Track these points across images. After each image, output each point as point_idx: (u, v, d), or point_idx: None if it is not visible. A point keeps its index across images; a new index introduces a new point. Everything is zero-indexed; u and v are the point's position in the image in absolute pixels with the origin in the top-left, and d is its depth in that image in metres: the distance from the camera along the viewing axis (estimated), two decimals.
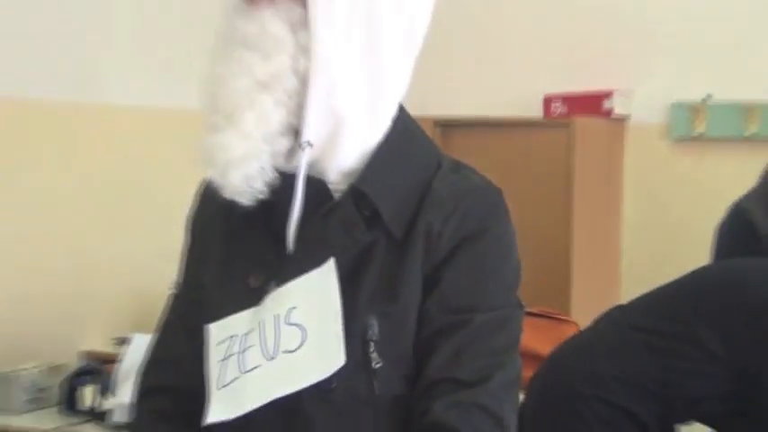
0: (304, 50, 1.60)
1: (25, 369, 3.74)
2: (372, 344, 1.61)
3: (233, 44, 1.63)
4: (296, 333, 1.62)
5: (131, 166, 4.74)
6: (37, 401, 3.71)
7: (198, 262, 1.82)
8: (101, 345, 4.45)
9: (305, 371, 1.59)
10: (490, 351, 1.64)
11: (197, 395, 1.68)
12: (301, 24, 1.60)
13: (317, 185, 1.65)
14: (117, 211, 4.71)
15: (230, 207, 1.66)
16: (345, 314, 1.60)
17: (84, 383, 3.68)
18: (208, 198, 1.74)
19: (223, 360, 1.66)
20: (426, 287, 1.64)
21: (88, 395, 3.65)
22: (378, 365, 1.61)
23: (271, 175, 1.62)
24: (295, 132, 1.63)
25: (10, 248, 4.35)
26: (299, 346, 1.61)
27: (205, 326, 1.70)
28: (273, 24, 1.60)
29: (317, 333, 1.60)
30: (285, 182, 1.63)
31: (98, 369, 3.79)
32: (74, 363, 3.95)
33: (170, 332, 1.84)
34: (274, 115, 1.60)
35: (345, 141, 1.64)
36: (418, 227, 1.64)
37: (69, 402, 3.68)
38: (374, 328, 1.61)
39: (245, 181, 1.60)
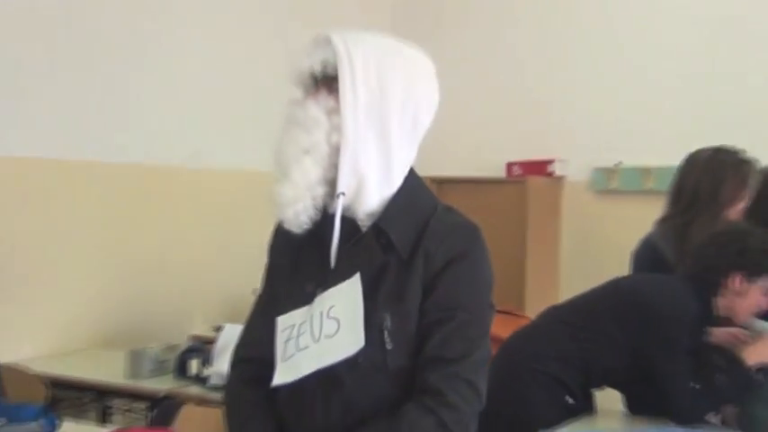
0: (336, 129, 1.64)
1: (151, 347, 3.74)
2: (386, 332, 1.63)
3: (289, 123, 1.67)
4: (333, 324, 1.63)
5: (225, 211, 4.76)
6: (158, 370, 3.70)
7: (272, 275, 1.84)
8: (203, 330, 4.46)
9: (339, 350, 1.61)
10: (469, 337, 1.65)
11: (270, 364, 1.70)
12: (334, 111, 1.64)
13: (350, 223, 1.68)
14: (216, 242, 4.74)
15: (293, 238, 1.69)
16: (367, 311, 1.61)
17: (191, 357, 3.67)
18: (280, 232, 1.76)
19: (286, 341, 1.68)
20: (425, 292, 1.65)
21: (194, 365, 3.64)
22: (390, 347, 1.63)
23: (312, 212, 1.65)
24: (328, 184, 1.65)
25: (147, 269, 4.41)
26: (336, 333, 1.62)
27: (275, 318, 1.72)
28: (314, 111, 1.64)
29: (347, 324, 1.62)
30: (328, 220, 1.66)
31: (201, 347, 3.78)
32: (184, 343, 3.94)
33: (254, 322, 1.85)
34: (313, 171, 1.63)
35: (367, 193, 1.66)
36: (419, 251, 1.66)
37: (181, 370, 3.67)
38: (387, 321, 1.63)
39: (295, 215, 1.64)
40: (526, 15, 5.57)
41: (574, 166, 5.39)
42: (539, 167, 5.38)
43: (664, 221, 3.41)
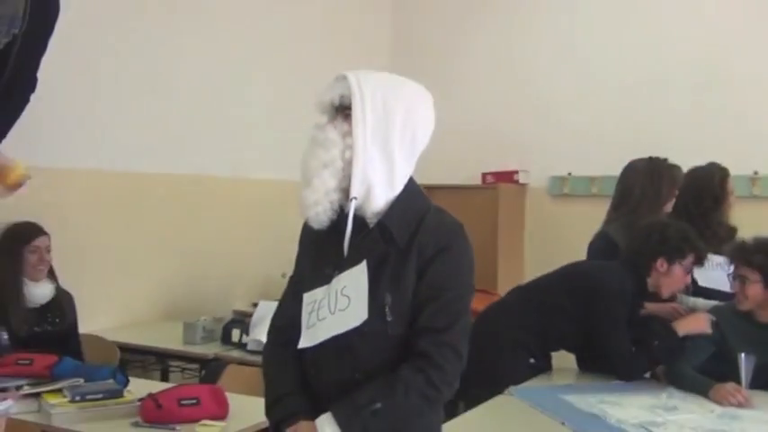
0: (349, 147, 1.63)
1: (202, 319, 3.73)
2: (387, 307, 1.62)
3: (312, 143, 1.67)
4: (345, 300, 1.63)
5: (260, 211, 4.75)
6: (207, 338, 3.69)
7: (300, 261, 1.83)
8: (243, 306, 4.45)
9: (349, 320, 1.61)
10: (453, 311, 1.64)
11: (298, 331, 1.70)
12: (348, 134, 1.64)
13: (360, 220, 1.67)
14: (254, 237, 4.72)
15: (317, 231, 1.69)
16: (372, 291, 1.61)
17: (233, 327, 3.66)
18: (307, 226, 1.74)
19: (309, 313, 1.68)
20: (419, 276, 1.64)
21: (236, 334, 3.63)
22: (390, 319, 1.62)
23: (331, 213, 1.65)
24: (343, 191, 1.65)
25: (199, 258, 4.40)
26: (347, 307, 1.62)
27: (303, 294, 1.72)
28: (332, 134, 1.64)
29: (355, 300, 1.61)
30: (344, 218, 1.65)
31: (241, 319, 3.77)
32: (228, 316, 3.94)
33: (286, 298, 1.84)
34: (330, 181, 1.63)
35: (374, 197, 1.65)
36: (415, 242, 1.64)
37: (225, 338, 3.66)
38: (388, 299, 1.62)
39: (316, 215, 1.64)
40: (495, 58, 5.55)
41: (534, 176, 5.37)
42: (507, 176, 5.36)
43: (615, 218, 3.39)
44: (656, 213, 3.29)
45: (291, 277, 1.85)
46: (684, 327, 2.87)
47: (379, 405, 1.57)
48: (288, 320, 1.77)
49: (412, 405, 1.59)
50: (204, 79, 4.42)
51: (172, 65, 4.23)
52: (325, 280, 1.68)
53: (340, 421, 1.57)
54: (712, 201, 3.43)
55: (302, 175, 1.66)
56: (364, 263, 1.62)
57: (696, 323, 2.87)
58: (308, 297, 1.70)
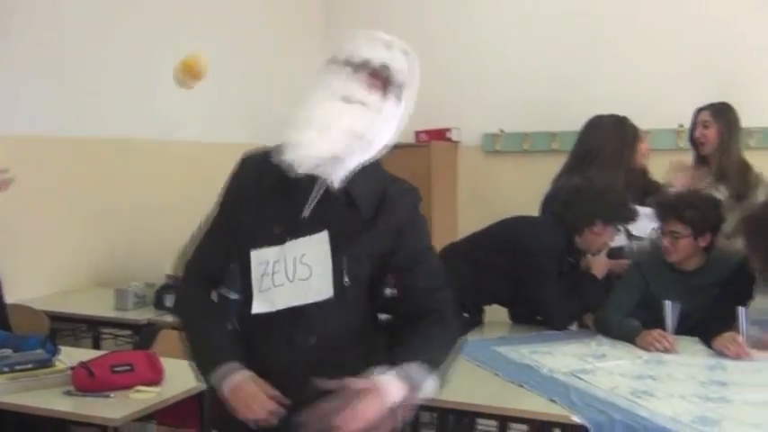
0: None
1: (133, 285, 3.68)
2: (344, 270, 1.58)
3: (360, 105, 1.57)
4: (306, 269, 1.58)
5: (193, 176, 4.67)
6: (140, 303, 3.65)
7: (231, 208, 1.71)
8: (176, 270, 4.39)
9: (311, 293, 1.58)
10: (438, 268, 1.69)
11: (218, 282, 1.72)
12: (379, 108, 1.63)
13: (317, 179, 1.60)
14: (185, 200, 4.62)
15: (261, 182, 1.63)
16: (333, 258, 1.58)
17: (166, 292, 3.61)
18: (242, 174, 1.69)
19: (262, 276, 1.61)
20: (396, 245, 1.62)
21: (168, 299, 3.59)
22: (347, 283, 1.59)
23: (312, 168, 1.55)
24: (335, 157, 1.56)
25: (129, 223, 4.32)
26: (308, 278, 1.58)
27: (250, 251, 1.62)
28: (380, 105, 1.63)
29: (318, 273, 1.58)
30: (310, 177, 1.58)
31: (174, 284, 3.72)
32: (161, 281, 3.88)
33: (207, 244, 1.77)
34: (342, 146, 1.55)
35: (349, 166, 1.58)
36: (382, 213, 1.62)
37: (158, 303, 3.62)
38: (345, 263, 1.58)
39: (306, 159, 1.53)
40: (427, 18, 5.53)
41: (467, 133, 5.40)
42: (440, 134, 5.38)
43: (578, 175, 3.38)
44: (619, 173, 3.33)
45: (213, 221, 1.75)
46: (598, 269, 3.07)
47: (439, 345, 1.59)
48: (210, 269, 1.73)
49: (454, 336, 1.63)
50: (130, 38, 4.29)
51: (94, 22, 4.08)
52: (276, 240, 1.60)
53: (426, 367, 1.52)
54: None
55: (319, 120, 1.53)
56: (326, 233, 1.57)
57: (606, 264, 3.10)
58: (257, 256, 1.61)
